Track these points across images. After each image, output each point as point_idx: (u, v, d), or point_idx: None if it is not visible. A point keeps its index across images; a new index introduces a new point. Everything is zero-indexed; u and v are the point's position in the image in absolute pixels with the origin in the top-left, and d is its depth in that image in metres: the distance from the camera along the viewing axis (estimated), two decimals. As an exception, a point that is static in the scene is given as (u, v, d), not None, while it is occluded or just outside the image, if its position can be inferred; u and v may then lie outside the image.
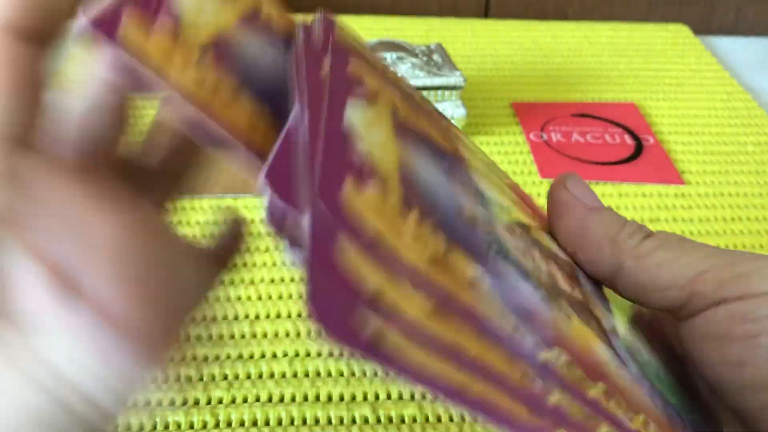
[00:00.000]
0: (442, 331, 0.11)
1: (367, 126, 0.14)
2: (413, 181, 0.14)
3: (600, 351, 0.14)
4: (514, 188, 0.18)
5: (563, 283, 0.16)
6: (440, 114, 0.18)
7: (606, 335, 0.15)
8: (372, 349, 0.10)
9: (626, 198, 0.37)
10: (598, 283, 0.17)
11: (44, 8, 0.11)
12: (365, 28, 0.53)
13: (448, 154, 0.16)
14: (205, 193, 0.35)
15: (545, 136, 0.41)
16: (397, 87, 0.17)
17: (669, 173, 0.39)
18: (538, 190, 0.37)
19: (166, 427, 0.24)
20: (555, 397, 0.12)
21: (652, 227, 0.37)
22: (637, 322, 0.18)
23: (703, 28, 0.58)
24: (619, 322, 0.17)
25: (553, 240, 0.18)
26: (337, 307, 0.10)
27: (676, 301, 0.16)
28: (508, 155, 0.39)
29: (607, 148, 0.40)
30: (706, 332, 0.15)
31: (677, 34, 0.54)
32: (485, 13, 0.57)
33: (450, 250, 0.13)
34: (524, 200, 0.18)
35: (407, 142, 0.15)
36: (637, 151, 0.40)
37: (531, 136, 0.41)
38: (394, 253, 0.11)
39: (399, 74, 0.17)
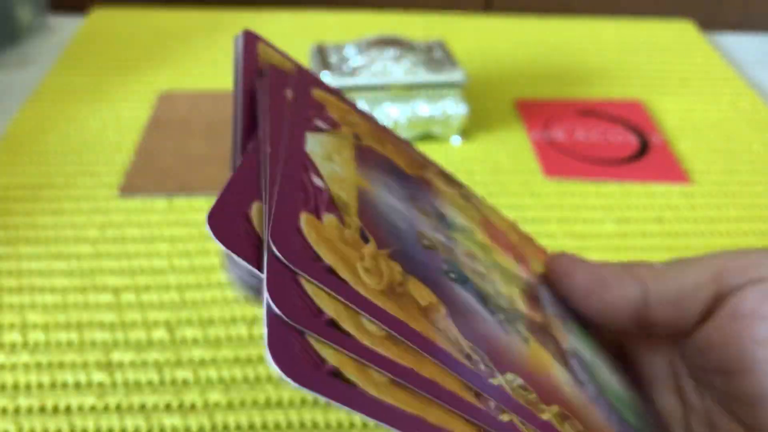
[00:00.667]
0: (396, 358, 0.11)
1: (326, 156, 0.14)
2: (372, 210, 0.14)
3: (556, 373, 0.15)
4: (485, 223, 0.19)
5: (522, 306, 0.16)
6: (411, 146, 0.19)
7: (564, 356, 0.16)
8: (332, 385, 0.10)
9: (631, 197, 0.36)
10: (564, 304, 0.18)
11: None
12: (365, 24, 0.52)
13: (413, 178, 0.17)
14: (202, 191, 0.35)
15: (548, 135, 0.40)
16: (364, 117, 0.18)
17: (674, 172, 0.38)
18: (542, 189, 0.36)
19: (162, 430, 0.24)
20: (507, 417, 0.12)
21: (657, 227, 0.36)
22: (601, 345, 0.18)
23: (709, 24, 0.57)
24: (582, 342, 0.18)
25: (519, 263, 0.18)
26: (295, 349, 0.10)
27: (708, 297, 0.16)
28: (511, 153, 0.39)
29: (611, 146, 0.40)
30: (735, 314, 0.16)
31: (683, 30, 0.54)
32: (487, 7, 0.57)
33: (406, 279, 0.13)
34: (497, 237, 0.19)
35: (369, 168, 0.15)
36: (642, 149, 0.40)
37: (534, 134, 0.40)
38: (348, 285, 0.11)
39: (368, 112, 0.18)
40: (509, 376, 0.13)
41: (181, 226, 0.33)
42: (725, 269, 0.16)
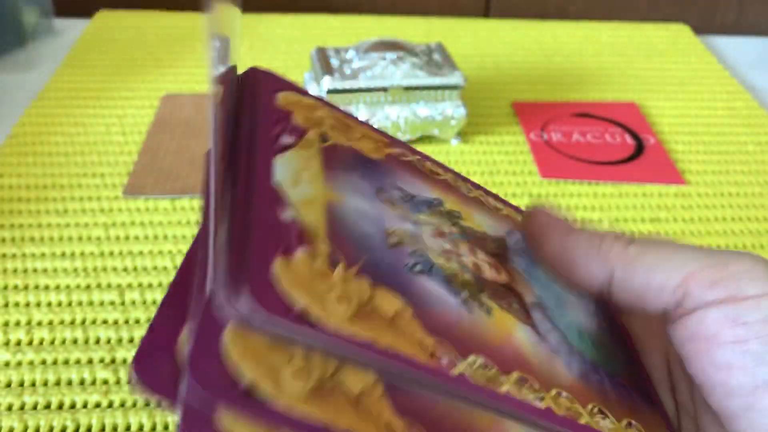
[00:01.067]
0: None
1: (295, 178, 0.15)
2: (341, 223, 0.15)
3: (518, 335, 0.16)
4: (454, 188, 0.20)
5: (488, 271, 0.17)
6: (374, 128, 0.20)
7: (528, 312, 0.17)
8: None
9: (627, 198, 0.37)
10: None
11: None
12: (365, 28, 0.53)
13: (379, 163, 0.18)
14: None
15: (546, 136, 0.41)
16: (328, 109, 0.19)
17: (669, 173, 0.39)
18: (539, 190, 0.37)
19: (166, 427, 0.24)
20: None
21: (652, 227, 0.37)
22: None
23: (704, 27, 0.58)
24: (549, 286, 0.19)
25: (492, 216, 0.20)
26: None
27: (670, 302, 0.16)
28: (509, 155, 0.39)
29: (607, 147, 0.40)
30: (696, 333, 0.15)
31: (678, 33, 0.54)
32: (486, 11, 0.57)
33: (374, 292, 0.14)
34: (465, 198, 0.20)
35: (336, 173, 0.17)
36: (638, 150, 0.40)
37: (531, 135, 0.41)
38: (319, 324, 0.13)
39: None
40: (471, 358, 0.14)
41: (184, 226, 0.33)
42: (693, 279, 0.16)
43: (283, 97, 0.18)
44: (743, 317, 0.15)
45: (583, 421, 0.15)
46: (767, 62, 0.52)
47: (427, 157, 0.20)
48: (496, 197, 0.21)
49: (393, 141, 0.20)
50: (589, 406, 0.16)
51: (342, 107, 0.19)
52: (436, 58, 0.39)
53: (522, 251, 0.19)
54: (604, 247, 0.17)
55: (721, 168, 0.39)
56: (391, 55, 0.38)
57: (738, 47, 0.54)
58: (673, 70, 0.49)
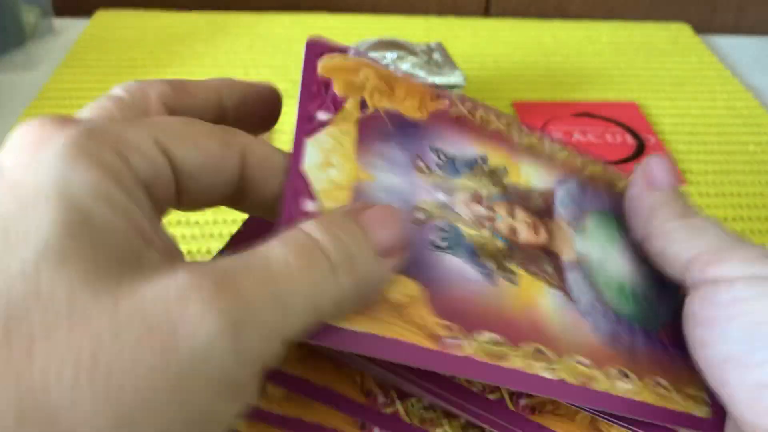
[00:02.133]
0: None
1: (325, 162, 0.16)
2: (368, 202, 0.16)
3: (543, 302, 0.17)
4: (507, 139, 0.20)
5: (525, 233, 0.18)
6: (418, 81, 0.20)
7: (562, 273, 0.18)
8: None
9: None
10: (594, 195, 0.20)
11: None
12: (365, 27, 0.53)
13: (421, 123, 0.18)
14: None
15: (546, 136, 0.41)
16: (373, 66, 0.19)
17: (670, 173, 0.39)
18: (539, 189, 0.37)
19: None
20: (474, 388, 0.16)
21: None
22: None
23: (704, 27, 0.57)
24: (596, 235, 0.19)
25: (549, 165, 0.20)
26: None
27: (678, 278, 0.18)
28: (509, 155, 0.39)
29: (608, 147, 0.40)
30: (685, 312, 0.17)
31: (679, 33, 0.54)
32: (486, 10, 0.57)
33: (407, 287, 0.15)
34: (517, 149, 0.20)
35: (371, 146, 0.17)
36: (639, 150, 0.40)
37: (532, 135, 0.41)
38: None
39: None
40: (481, 335, 0.15)
41: (184, 226, 0.33)
42: (697, 259, 0.17)
43: (323, 65, 0.18)
44: (716, 298, 0.16)
45: (598, 387, 0.16)
46: (767, 61, 0.52)
47: (480, 105, 0.20)
48: (554, 139, 0.21)
49: (441, 93, 0.19)
50: (610, 369, 0.16)
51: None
52: (436, 58, 0.39)
53: (573, 199, 0.20)
54: (655, 214, 0.18)
55: (721, 168, 0.39)
56: (391, 55, 0.38)
57: (739, 47, 0.54)
58: (674, 70, 0.49)
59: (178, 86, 0.15)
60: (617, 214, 0.20)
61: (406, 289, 0.15)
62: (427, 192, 0.17)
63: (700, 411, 0.17)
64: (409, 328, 0.14)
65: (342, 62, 0.18)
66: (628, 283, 0.19)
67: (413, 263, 0.15)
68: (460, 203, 0.17)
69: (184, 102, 0.15)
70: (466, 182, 0.18)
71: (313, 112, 0.17)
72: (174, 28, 0.51)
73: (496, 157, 0.19)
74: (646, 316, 0.18)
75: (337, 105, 0.17)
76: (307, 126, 0.16)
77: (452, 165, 0.18)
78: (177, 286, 0.11)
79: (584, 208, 0.20)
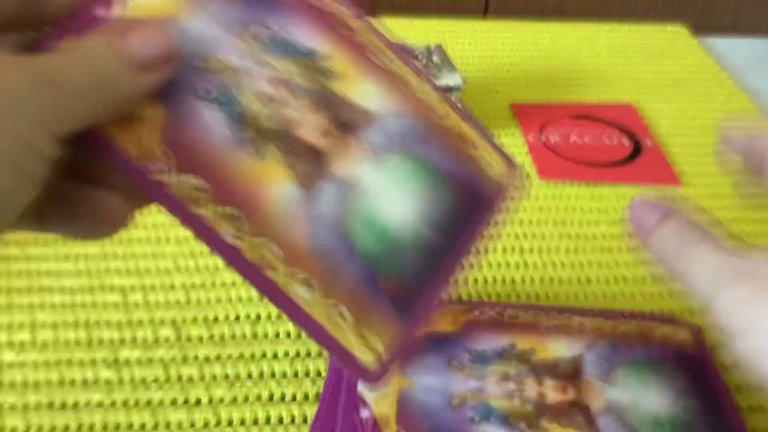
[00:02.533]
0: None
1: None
2: (409, 404, 0.21)
3: (273, 190, 0.17)
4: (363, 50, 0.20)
5: (552, 395, 0.22)
6: (455, 302, 0.27)
7: (593, 420, 0.22)
8: None
9: (624, 199, 0.37)
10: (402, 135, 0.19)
11: None
12: (365, 29, 0.53)
13: (452, 335, 0.24)
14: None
15: (543, 138, 0.41)
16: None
17: (666, 174, 0.39)
18: (537, 191, 0.37)
19: (168, 426, 0.25)
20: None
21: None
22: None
23: (701, 28, 0.58)
24: (627, 384, 0.23)
25: (570, 340, 0.25)
26: None
27: None
28: (507, 156, 0.40)
29: (605, 149, 0.41)
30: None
31: (675, 34, 0.54)
32: (484, 12, 0.58)
33: (154, 110, 0.16)
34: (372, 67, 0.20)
35: (411, 361, 0.23)
36: (635, 152, 0.41)
37: (529, 137, 0.41)
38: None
39: None
40: (190, 178, 0.16)
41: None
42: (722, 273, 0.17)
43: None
44: None
45: (272, 276, 0.16)
46: (764, 63, 0.53)
47: (507, 305, 0.26)
48: (584, 313, 0.26)
49: (472, 306, 0.26)
50: (297, 272, 0.16)
51: None
52: (434, 60, 0.40)
53: (603, 358, 0.24)
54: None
55: (717, 169, 0.40)
56: (390, 58, 0.38)
57: (735, 48, 0.54)
58: (671, 71, 0.49)
59: None
60: (651, 361, 0.24)
61: (151, 111, 0.16)
62: (460, 383, 0.22)
63: (366, 358, 0.16)
64: (134, 140, 0.15)
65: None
66: (663, 414, 0.22)
67: (168, 98, 0.16)
68: (492, 384, 0.22)
69: None
70: (495, 368, 0.23)
71: None
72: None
73: (524, 343, 0.24)
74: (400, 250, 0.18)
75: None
76: None
77: (483, 358, 0.23)
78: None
79: (615, 362, 0.24)
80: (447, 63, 0.40)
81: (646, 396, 0.23)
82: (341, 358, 0.16)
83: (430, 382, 0.22)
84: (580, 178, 0.38)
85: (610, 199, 0.37)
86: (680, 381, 0.24)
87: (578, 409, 0.22)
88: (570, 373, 0.23)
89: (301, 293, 0.16)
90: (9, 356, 0.27)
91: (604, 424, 0.21)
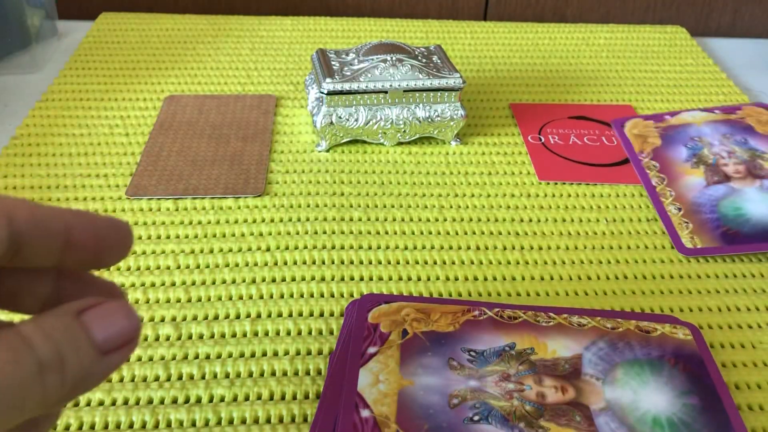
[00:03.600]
0: None
1: (374, 381, 0.22)
2: (409, 403, 0.21)
3: None
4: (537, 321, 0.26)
5: (552, 396, 0.23)
6: (452, 302, 0.27)
7: (591, 419, 0.22)
8: None
9: (623, 199, 0.37)
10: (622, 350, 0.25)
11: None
12: (365, 30, 0.53)
13: (451, 335, 0.24)
14: (207, 193, 0.35)
15: (543, 138, 0.41)
16: (415, 301, 0.26)
17: (666, 174, 0.39)
18: (537, 191, 0.37)
19: (169, 424, 0.25)
20: None
21: (649, 228, 0.37)
22: None
23: (700, 29, 0.58)
24: (628, 380, 0.24)
25: (568, 335, 0.25)
26: None
27: None
28: (506, 156, 0.40)
29: (604, 149, 0.41)
30: None
31: (674, 35, 0.55)
32: (484, 15, 0.58)
33: None
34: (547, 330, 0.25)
35: (411, 359, 0.23)
36: (635, 152, 0.41)
37: (529, 137, 0.41)
38: None
39: None
40: None
41: (186, 227, 0.34)
42: None
43: (372, 315, 0.26)
44: None
45: None
46: (763, 64, 0.53)
47: (506, 306, 0.26)
48: (584, 313, 0.26)
49: (472, 306, 0.26)
50: None
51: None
52: (435, 61, 0.40)
53: (602, 358, 0.24)
54: None
55: (716, 169, 0.40)
56: (391, 58, 0.38)
57: (734, 49, 0.54)
58: (670, 73, 0.50)
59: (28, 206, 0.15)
60: (650, 359, 0.24)
61: None
62: (460, 383, 0.22)
63: None
64: None
65: (387, 309, 0.25)
66: (663, 413, 0.22)
67: None
68: (491, 384, 0.22)
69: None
70: (495, 367, 0.23)
71: (365, 349, 0.24)
72: (177, 31, 0.51)
73: (523, 342, 0.24)
74: None
75: (383, 339, 0.24)
76: (359, 360, 0.23)
77: (482, 357, 0.23)
78: None
79: (614, 362, 0.24)
80: (447, 63, 0.40)
81: (646, 395, 0.23)
82: None
83: (429, 382, 0.22)
84: (580, 178, 0.38)
85: (609, 199, 0.37)
86: (680, 380, 0.24)
87: (577, 408, 0.22)
88: (569, 373, 0.23)
89: None
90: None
91: (602, 423, 0.21)
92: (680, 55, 0.52)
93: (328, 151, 0.39)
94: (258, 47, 0.50)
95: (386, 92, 0.38)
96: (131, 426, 0.25)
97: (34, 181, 0.36)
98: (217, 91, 0.45)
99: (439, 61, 0.40)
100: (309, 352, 0.27)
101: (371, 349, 0.23)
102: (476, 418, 0.21)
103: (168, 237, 0.33)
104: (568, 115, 0.44)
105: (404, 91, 0.38)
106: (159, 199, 0.35)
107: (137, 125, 0.41)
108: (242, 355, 0.27)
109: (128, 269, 0.31)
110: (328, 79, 0.37)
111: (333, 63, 0.39)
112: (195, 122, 0.41)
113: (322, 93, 0.37)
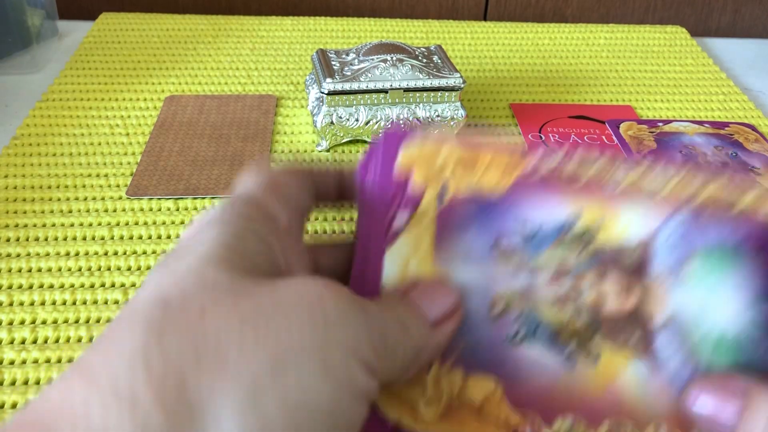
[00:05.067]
0: None
1: (404, 265, 0.17)
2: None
3: (625, 378, 0.16)
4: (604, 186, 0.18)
5: (613, 302, 0.17)
6: (502, 145, 0.19)
7: (650, 338, 0.17)
8: None
9: (623, 198, 0.37)
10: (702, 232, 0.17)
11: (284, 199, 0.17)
12: (365, 30, 0.53)
13: (501, 202, 0.18)
14: (207, 193, 0.35)
15: (543, 137, 0.41)
16: (456, 142, 0.19)
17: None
18: (536, 190, 0.37)
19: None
20: None
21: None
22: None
23: (700, 29, 0.58)
24: (696, 286, 0.17)
25: (641, 207, 0.17)
26: None
27: None
28: (507, 156, 0.40)
29: (604, 149, 0.41)
30: None
31: (674, 35, 0.55)
32: (484, 15, 0.58)
33: (466, 381, 0.16)
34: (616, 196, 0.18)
35: (449, 238, 0.17)
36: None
37: (529, 137, 0.41)
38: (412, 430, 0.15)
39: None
40: (558, 422, 0.16)
41: (187, 226, 0.34)
42: None
43: (403, 157, 0.18)
44: None
45: None
46: (763, 64, 0.53)
47: (574, 153, 0.18)
48: (666, 164, 0.18)
49: (527, 152, 0.18)
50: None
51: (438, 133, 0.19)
52: (435, 61, 0.40)
53: (677, 241, 0.17)
54: None
55: (716, 169, 0.40)
56: (391, 58, 0.39)
57: (734, 49, 0.55)
58: (670, 73, 0.50)
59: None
60: (739, 240, 0.17)
61: (483, 387, 0.16)
62: (506, 280, 0.17)
63: None
64: (486, 425, 0.15)
65: (422, 148, 0.18)
66: (730, 330, 0.17)
67: (490, 360, 0.16)
68: (543, 284, 0.17)
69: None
70: (551, 256, 0.17)
71: (391, 218, 0.17)
72: (177, 31, 0.51)
73: (590, 212, 0.17)
74: (752, 362, 0.16)
75: (415, 202, 0.17)
76: (383, 240, 0.17)
77: (536, 238, 0.17)
78: (315, 283, 0.14)
79: (693, 246, 0.17)
80: (447, 63, 0.40)
81: (717, 300, 0.17)
82: None
83: (469, 278, 0.17)
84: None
85: (609, 199, 0.37)
86: (761, 275, 0.17)
87: (636, 322, 0.17)
88: (636, 267, 0.17)
89: None
90: (10, 354, 0.27)
91: (660, 343, 0.16)
92: (680, 55, 0.52)
93: (328, 151, 0.39)
94: (258, 47, 0.50)
95: (386, 92, 0.38)
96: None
97: (35, 181, 0.36)
98: (217, 91, 0.45)
99: (439, 61, 0.40)
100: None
101: (399, 219, 0.17)
102: (520, 336, 0.16)
103: (168, 237, 0.33)
104: (568, 115, 0.44)
105: (404, 91, 0.38)
106: (159, 199, 0.35)
107: (138, 125, 0.41)
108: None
109: (128, 269, 0.31)
110: (329, 79, 0.37)
111: (333, 63, 0.39)
112: (195, 122, 0.41)
113: (323, 93, 0.37)
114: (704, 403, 0.16)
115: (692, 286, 0.17)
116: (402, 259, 0.17)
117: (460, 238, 0.17)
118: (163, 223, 0.34)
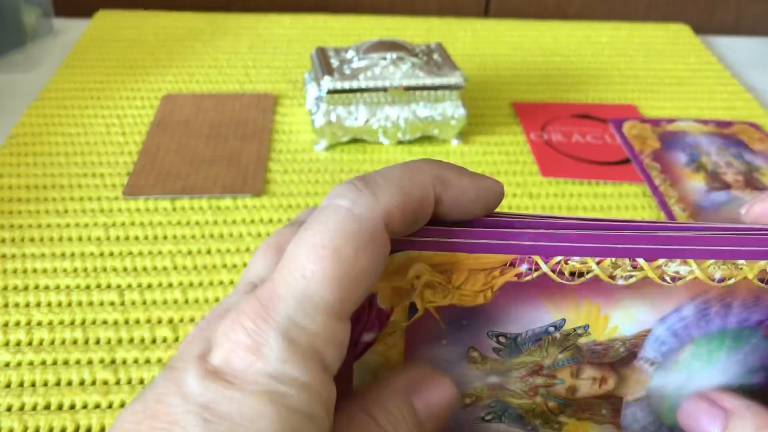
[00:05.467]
0: None
1: (372, 377, 0.17)
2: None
3: None
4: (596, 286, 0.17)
5: (586, 389, 0.17)
6: (492, 245, 0.16)
7: (618, 411, 0.17)
8: None
9: (626, 198, 0.37)
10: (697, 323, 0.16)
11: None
12: (365, 28, 0.53)
13: (477, 311, 0.16)
14: (205, 192, 0.35)
15: (545, 136, 0.41)
16: (428, 246, 0.16)
17: (669, 173, 0.39)
18: (539, 189, 0.37)
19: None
20: None
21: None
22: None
23: (703, 27, 0.58)
24: (687, 367, 0.17)
25: (647, 298, 0.16)
26: None
27: None
28: (509, 155, 0.39)
29: (607, 148, 0.40)
30: None
31: (678, 33, 0.54)
32: (485, 12, 0.57)
33: None
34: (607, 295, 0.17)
35: (419, 350, 0.17)
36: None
37: (531, 135, 0.41)
38: None
39: None
40: None
41: (184, 226, 0.33)
42: None
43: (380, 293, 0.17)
44: None
45: None
46: (767, 62, 0.52)
47: (575, 250, 0.16)
48: (692, 255, 0.16)
49: (521, 253, 0.16)
50: None
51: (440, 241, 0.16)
52: (435, 59, 0.39)
53: (679, 330, 0.16)
54: None
55: (720, 168, 0.39)
56: (391, 56, 0.38)
57: (738, 47, 0.54)
58: (673, 70, 0.49)
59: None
60: (743, 326, 0.16)
61: None
62: (478, 379, 0.17)
63: None
64: None
65: (388, 266, 0.16)
66: (715, 359, 0.16)
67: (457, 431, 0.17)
68: (515, 379, 0.17)
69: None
70: (526, 358, 0.17)
71: (357, 335, 0.16)
72: (174, 29, 0.51)
73: (579, 317, 0.16)
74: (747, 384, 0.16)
75: (381, 321, 0.16)
76: (352, 351, 0.16)
77: (514, 344, 0.16)
78: None
79: (689, 337, 0.16)
80: (448, 61, 0.39)
81: (705, 374, 0.16)
82: None
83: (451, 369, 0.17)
84: (583, 176, 0.38)
85: (612, 198, 0.37)
86: (764, 352, 0.17)
87: (608, 400, 0.17)
88: (621, 359, 0.16)
89: None
90: (5, 356, 0.26)
91: (628, 414, 0.17)
92: (684, 53, 0.51)
93: (327, 150, 0.39)
94: (256, 45, 0.49)
95: (386, 90, 0.37)
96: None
97: (30, 181, 0.36)
98: (215, 89, 0.44)
99: (439, 58, 0.39)
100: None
101: (366, 336, 0.16)
102: (488, 417, 0.18)
103: (165, 237, 0.32)
104: (571, 114, 0.43)
105: (404, 89, 0.38)
106: (156, 198, 0.35)
107: (134, 124, 0.40)
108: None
109: (125, 270, 0.31)
110: (328, 78, 0.37)
111: (332, 61, 0.39)
112: (193, 121, 0.41)
113: (322, 92, 0.37)
114: (688, 415, 0.16)
115: (677, 371, 0.17)
116: (370, 370, 0.17)
117: (430, 350, 0.17)
118: (160, 223, 0.33)
